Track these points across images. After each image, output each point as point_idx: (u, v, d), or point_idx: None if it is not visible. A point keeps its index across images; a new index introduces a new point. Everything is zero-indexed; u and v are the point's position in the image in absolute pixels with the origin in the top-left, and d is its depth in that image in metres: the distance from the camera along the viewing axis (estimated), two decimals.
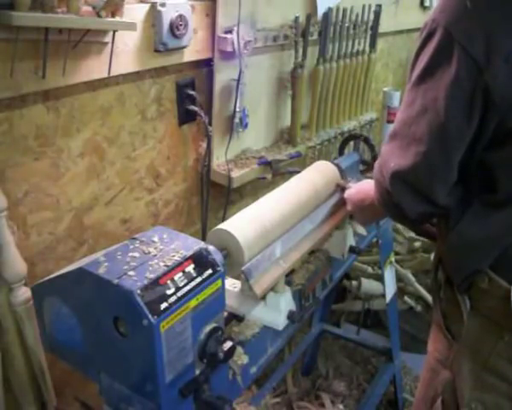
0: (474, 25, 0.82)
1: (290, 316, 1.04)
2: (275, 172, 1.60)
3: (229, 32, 1.37)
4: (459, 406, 0.98)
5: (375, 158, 1.51)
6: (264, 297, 1.03)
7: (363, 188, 1.22)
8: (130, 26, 1.09)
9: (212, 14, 1.35)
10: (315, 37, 1.71)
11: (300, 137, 1.76)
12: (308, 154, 1.77)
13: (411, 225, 1.17)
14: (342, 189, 1.26)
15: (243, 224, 1.02)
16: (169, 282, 0.75)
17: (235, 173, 1.49)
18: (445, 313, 1.03)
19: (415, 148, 0.89)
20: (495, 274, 0.91)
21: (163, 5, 1.19)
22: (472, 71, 0.82)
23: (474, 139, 0.88)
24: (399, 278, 2.12)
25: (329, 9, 1.69)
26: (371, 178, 1.07)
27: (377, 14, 1.94)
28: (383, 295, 1.79)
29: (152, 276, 0.75)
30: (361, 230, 1.38)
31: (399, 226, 2.23)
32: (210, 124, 1.42)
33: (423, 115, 0.88)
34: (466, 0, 0.82)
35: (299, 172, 1.33)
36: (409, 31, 2.71)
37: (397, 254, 2.19)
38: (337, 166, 1.32)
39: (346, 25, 1.80)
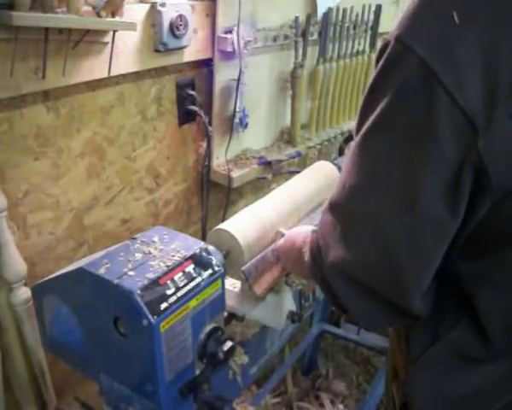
0: (468, 52, 0.52)
1: (290, 316, 1.04)
2: (275, 172, 1.59)
3: (229, 32, 1.37)
4: None
5: None
6: (264, 297, 1.03)
7: (289, 237, 0.95)
8: (130, 26, 1.09)
9: (212, 14, 1.35)
10: (315, 37, 1.71)
11: (300, 137, 1.76)
12: (308, 154, 1.77)
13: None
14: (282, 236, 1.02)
15: (243, 224, 1.02)
16: (169, 282, 0.76)
17: (235, 173, 1.49)
18: None
19: (368, 239, 0.62)
20: None
21: (163, 5, 1.18)
22: (461, 133, 0.53)
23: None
24: None
25: (329, 9, 1.69)
26: None
27: (377, 14, 1.94)
28: None
29: (152, 276, 0.75)
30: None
31: None
32: (210, 124, 1.42)
33: (380, 191, 0.60)
34: (451, 9, 0.52)
35: (299, 172, 1.33)
36: None
37: None
38: (337, 166, 1.32)
39: (346, 25, 1.79)
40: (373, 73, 0.61)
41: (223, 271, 0.83)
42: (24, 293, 1.01)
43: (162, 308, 0.72)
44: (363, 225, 0.63)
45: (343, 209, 0.66)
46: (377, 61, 0.60)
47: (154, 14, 1.19)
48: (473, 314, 0.65)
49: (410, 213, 0.58)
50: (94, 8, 1.00)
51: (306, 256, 0.76)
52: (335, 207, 0.67)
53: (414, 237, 0.59)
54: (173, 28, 1.21)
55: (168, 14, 1.19)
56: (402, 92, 0.56)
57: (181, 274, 0.78)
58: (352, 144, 0.64)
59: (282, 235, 1.01)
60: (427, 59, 0.53)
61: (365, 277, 0.64)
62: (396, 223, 0.59)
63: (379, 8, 1.93)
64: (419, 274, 0.62)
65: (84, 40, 1.02)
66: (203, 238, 1.41)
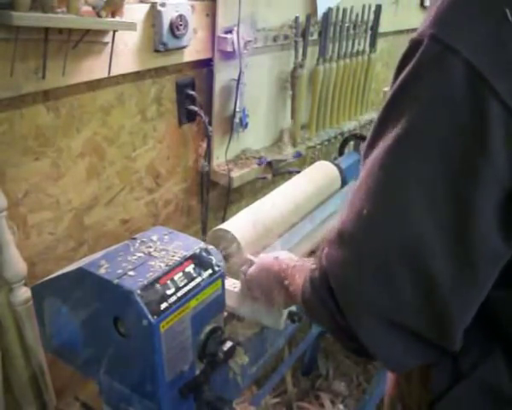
0: None
1: (290, 316, 1.04)
2: (275, 172, 1.60)
3: (229, 32, 1.37)
4: None
5: None
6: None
7: (262, 264, 0.88)
8: (130, 26, 1.09)
9: (212, 14, 1.35)
10: (315, 37, 1.71)
11: (300, 137, 1.76)
12: (308, 154, 1.77)
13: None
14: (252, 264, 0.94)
15: (243, 224, 1.02)
16: (169, 282, 0.76)
17: (235, 173, 1.49)
18: None
19: (405, 275, 0.52)
20: None
21: (163, 5, 1.18)
22: None
23: None
24: None
25: (329, 9, 1.69)
26: None
27: (377, 14, 1.94)
28: None
29: (152, 276, 0.75)
30: None
31: None
32: (210, 124, 1.42)
33: (419, 219, 0.51)
34: (502, 5, 0.45)
35: (299, 172, 1.33)
36: (409, 31, 2.71)
37: None
38: (337, 166, 1.32)
39: (346, 25, 1.80)
40: (398, 79, 0.52)
41: (223, 271, 0.83)
42: (24, 293, 1.01)
43: (162, 308, 0.72)
44: (394, 260, 0.52)
45: (361, 242, 0.55)
46: (403, 63, 0.52)
47: (154, 14, 1.19)
48: (507, 347, 0.58)
49: (461, 244, 0.50)
50: (94, 8, 1.00)
51: (296, 289, 0.68)
52: (348, 240, 0.56)
53: (464, 271, 0.51)
54: (173, 28, 1.21)
55: (168, 14, 1.19)
56: (441, 101, 0.48)
57: (181, 274, 0.78)
58: (368, 162, 0.54)
59: (252, 263, 0.93)
60: (476, 62, 0.45)
61: (400, 317, 0.54)
62: (442, 256, 0.50)
63: (379, 8, 1.93)
64: (466, 310, 0.54)
65: (84, 40, 1.02)
66: (203, 238, 1.41)
